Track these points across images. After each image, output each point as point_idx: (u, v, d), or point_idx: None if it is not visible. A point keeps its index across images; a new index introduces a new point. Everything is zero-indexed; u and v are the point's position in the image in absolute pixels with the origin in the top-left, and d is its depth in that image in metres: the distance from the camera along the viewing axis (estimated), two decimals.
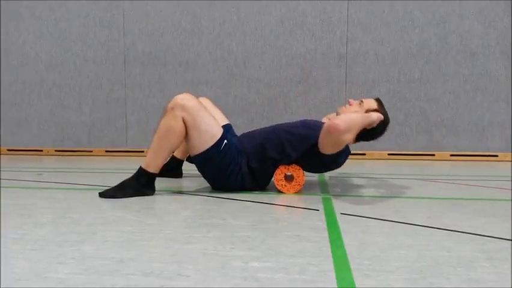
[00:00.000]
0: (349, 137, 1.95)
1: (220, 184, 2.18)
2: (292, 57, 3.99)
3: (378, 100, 2.22)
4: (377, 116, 2.05)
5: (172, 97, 2.08)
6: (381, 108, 2.18)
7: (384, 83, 3.92)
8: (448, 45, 3.84)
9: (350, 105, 2.20)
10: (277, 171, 2.14)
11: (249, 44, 4.03)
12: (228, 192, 2.14)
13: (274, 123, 2.37)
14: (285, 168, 2.14)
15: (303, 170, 2.17)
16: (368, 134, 2.09)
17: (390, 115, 2.23)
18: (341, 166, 2.21)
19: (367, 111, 2.14)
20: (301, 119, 2.32)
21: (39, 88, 4.32)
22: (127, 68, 4.18)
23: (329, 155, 2.05)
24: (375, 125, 2.06)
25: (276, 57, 4.01)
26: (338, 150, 2.04)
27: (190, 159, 2.27)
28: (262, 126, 2.34)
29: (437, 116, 3.91)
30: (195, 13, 4.07)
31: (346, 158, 2.19)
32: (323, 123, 2.26)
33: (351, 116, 2.00)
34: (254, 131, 2.29)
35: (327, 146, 2.02)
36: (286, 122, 2.33)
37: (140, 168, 2.05)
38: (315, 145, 2.05)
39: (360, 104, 2.19)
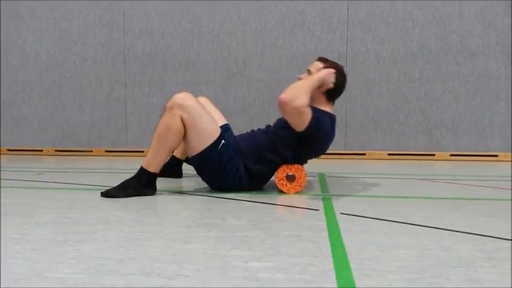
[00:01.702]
0: (301, 101, 1.93)
1: (218, 184, 2.18)
2: (292, 57, 3.99)
3: (320, 58, 2.23)
4: (326, 72, 2.06)
5: (171, 97, 2.08)
6: (326, 63, 2.18)
7: (384, 83, 3.92)
8: (448, 45, 3.84)
9: (301, 79, 2.18)
10: (280, 170, 2.14)
11: (249, 44, 4.03)
12: (227, 192, 2.14)
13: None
14: (287, 167, 2.14)
15: (306, 160, 2.18)
16: (333, 89, 2.14)
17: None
18: (333, 135, 2.17)
19: None
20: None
21: (39, 88, 4.32)
22: (127, 68, 4.18)
23: (308, 130, 2.00)
24: (332, 79, 2.09)
25: (276, 57, 4.01)
26: (308, 120, 1.98)
27: (189, 161, 2.27)
28: (262, 126, 2.34)
29: (437, 116, 3.91)
30: (194, 13, 4.07)
31: (333, 125, 2.15)
32: None
33: (293, 85, 2.01)
34: (249, 133, 2.28)
35: (294, 123, 2.01)
36: (276, 121, 2.31)
37: (141, 168, 2.05)
38: (295, 132, 2.05)
39: (308, 73, 2.19)
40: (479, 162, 3.77)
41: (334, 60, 2.25)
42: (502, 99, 3.83)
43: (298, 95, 1.93)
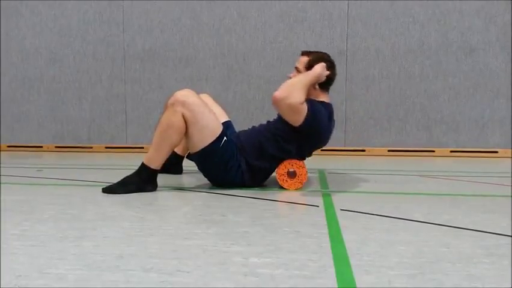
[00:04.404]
0: (296, 99, 1.94)
1: (219, 181, 2.19)
2: (293, 54, 3.98)
3: (304, 52, 2.23)
4: (320, 67, 2.07)
5: (171, 93, 2.07)
6: (311, 55, 2.18)
7: (384, 79, 3.92)
8: (448, 41, 3.83)
9: (292, 77, 2.18)
10: (281, 166, 2.14)
11: (248, 40, 4.02)
12: (227, 188, 2.14)
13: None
14: (289, 163, 2.14)
15: (310, 153, 2.19)
16: (326, 80, 2.14)
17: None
18: (332, 125, 2.19)
19: (304, 68, 2.16)
20: None
21: (39, 84, 4.31)
22: (126, 64, 4.18)
23: (305, 124, 2.00)
24: (325, 73, 2.09)
25: (276, 54, 4.00)
26: (304, 115, 1.98)
27: (190, 157, 2.27)
28: (262, 123, 2.34)
29: (437, 112, 3.90)
30: (194, 9, 4.06)
31: (330, 115, 2.14)
32: None
33: (288, 82, 2.02)
34: (251, 129, 2.29)
35: (289, 119, 2.01)
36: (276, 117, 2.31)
37: (142, 164, 2.05)
38: (293, 127, 2.04)
39: (296, 70, 2.19)
40: (479, 158, 3.77)
41: (319, 51, 2.25)
42: (502, 96, 3.83)
43: (293, 92, 1.94)
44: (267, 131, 2.16)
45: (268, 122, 2.26)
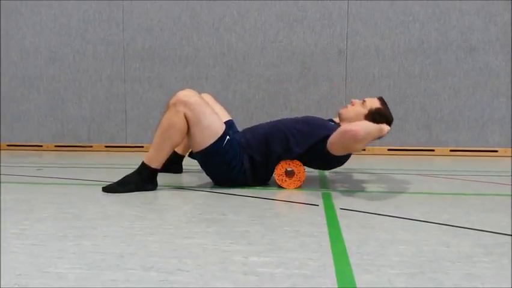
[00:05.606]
0: (361, 146, 1.93)
1: (222, 180, 2.19)
2: (293, 53, 3.99)
3: (381, 99, 2.23)
4: (387, 130, 2.02)
5: (171, 92, 2.07)
6: (384, 107, 2.20)
7: (384, 78, 3.92)
8: (448, 40, 3.83)
9: (353, 105, 2.21)
10: (278, 166, 2.15)
11: (248, 39, 4.02)
12: (228, 187, 2.14)
13: (274, 118, 2.37)
14: (286, 163, 2.14)
15: (305, 165, 2.18)
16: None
17: (390, 109, 2.24)
18: (342, 165, 2.22)
19: (370, 110, 2.17)
20: (302, 115, 2.31)
21: (38, 83, 4.31)
22: (126, 63, 4.17)
23: (333, 157, 2.05)
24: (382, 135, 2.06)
25: (276, 53, 4.00)
26: (344, 153, 2.05)
27: (192, 156, 2.27)
28: (262, 122, 2.34)
29: (437, 111, 3.91)
30: (194, 8, 4.06)
31: (348, 158, 2.19)
32: (329, 120, 2.26)
33: (369, 127, 1.94)
34: (258, 125, 2.29)
35: (337, 148, 1.99)
36: (288, 117, 2.32)
37: (143, 164, 2.05)
38: (320, 143, 2.04)
39: (362, 103, 2.20)
40: (479, 157, 3.77)
41: (390, 111, 2.24)
42: (502, 95, 3.83)
43: (365, 140, 1.90)
44: (278, 129, 2.15)
45: (283, 119, 2.26)
